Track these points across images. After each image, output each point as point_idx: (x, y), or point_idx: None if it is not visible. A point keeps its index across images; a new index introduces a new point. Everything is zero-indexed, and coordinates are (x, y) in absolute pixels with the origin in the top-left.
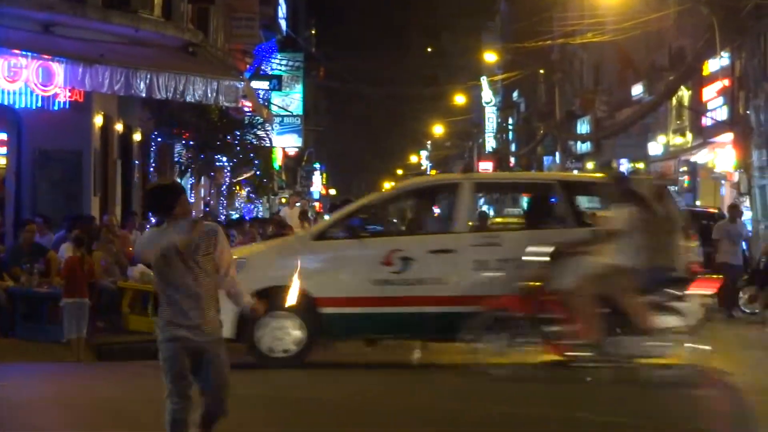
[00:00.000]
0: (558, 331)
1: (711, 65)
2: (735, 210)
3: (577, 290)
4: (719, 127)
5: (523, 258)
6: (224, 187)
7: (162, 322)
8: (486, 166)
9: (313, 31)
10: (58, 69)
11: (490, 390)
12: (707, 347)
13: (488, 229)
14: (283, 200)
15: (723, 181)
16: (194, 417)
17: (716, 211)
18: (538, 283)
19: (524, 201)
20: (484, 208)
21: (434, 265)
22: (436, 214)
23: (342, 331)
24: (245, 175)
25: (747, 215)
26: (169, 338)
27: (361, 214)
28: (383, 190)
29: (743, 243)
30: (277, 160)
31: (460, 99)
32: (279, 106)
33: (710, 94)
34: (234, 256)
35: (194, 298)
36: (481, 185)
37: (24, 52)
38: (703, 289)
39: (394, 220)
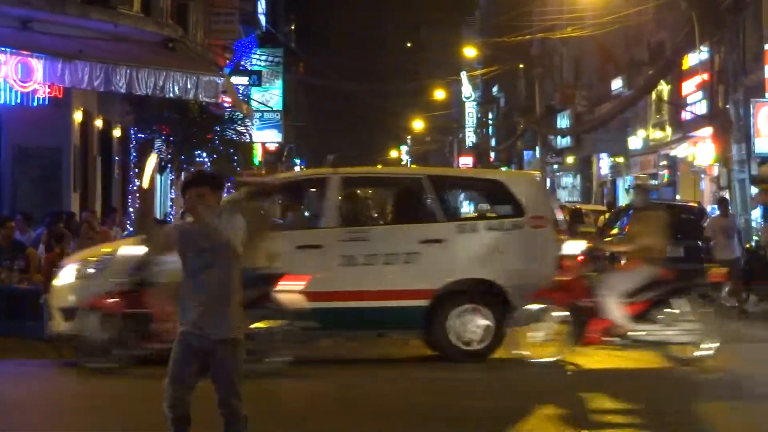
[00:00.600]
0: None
1: (690, 59)
2: (724, 204)
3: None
4: (699, 121)
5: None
6: None
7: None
8: (466, 161)
9: (292, 27)
10: (37, 65)
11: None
12: None
13: (357, 225)
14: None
15: (703, 175)
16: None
17: (696, 205)
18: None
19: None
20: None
21: (302, 261)
22: (304, 210)
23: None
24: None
25: None
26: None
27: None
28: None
29: (736, 235)
30: (258, 156)
31: (440, 94)
32: (259, 102)
33: (689, 88)
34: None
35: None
36: (349, 180)
37: (2, 48)
38: (291, 284)
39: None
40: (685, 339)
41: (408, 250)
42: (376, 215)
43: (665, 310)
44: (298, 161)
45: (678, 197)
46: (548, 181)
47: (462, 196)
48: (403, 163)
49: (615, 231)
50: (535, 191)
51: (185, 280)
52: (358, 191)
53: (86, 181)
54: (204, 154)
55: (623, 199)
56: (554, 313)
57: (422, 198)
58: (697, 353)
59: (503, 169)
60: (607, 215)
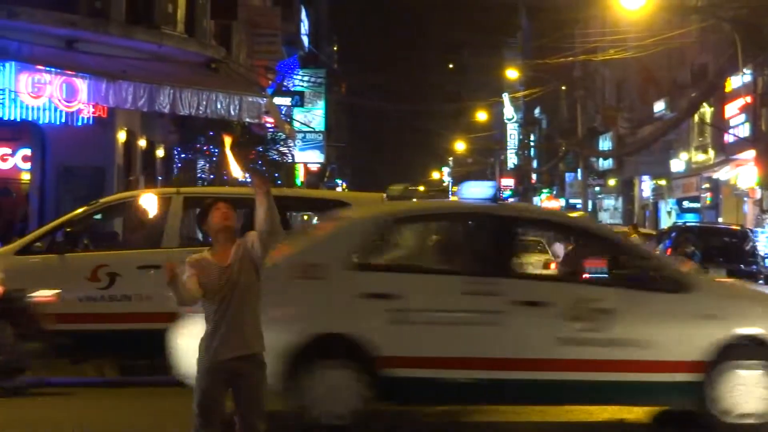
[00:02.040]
0: None
1: (733, 82)
2: None
3: None
4: (741, 144)
5: None
6: None
7: None
8: (508, 183)
9: (335, 48)
10: (82, 85)
11: None
12: None
13: (199, 245)
14: (305, 217)
15: (745, 198)
16: None
17: (739, 228)
18: None
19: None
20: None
21: (142, 281)
22: (146, 229)
23: (53, 350)
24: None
25: None
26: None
27: (68, 228)
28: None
29: None
30: (300, 176)
31: (481, 115)
32: (301, 122)
33: (732, 110)
34: None
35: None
36: (192, 199)
37: (48, 68)
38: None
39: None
40: None
41: None
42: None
43: None
44: (340, 181)
45: (720, 220)
46: (590, 203)
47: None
48: (444, 184)
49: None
50: None
51: (210, 313)
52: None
53: None
54: (247, 175)
55: (665, 222)
56: None
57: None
58: None
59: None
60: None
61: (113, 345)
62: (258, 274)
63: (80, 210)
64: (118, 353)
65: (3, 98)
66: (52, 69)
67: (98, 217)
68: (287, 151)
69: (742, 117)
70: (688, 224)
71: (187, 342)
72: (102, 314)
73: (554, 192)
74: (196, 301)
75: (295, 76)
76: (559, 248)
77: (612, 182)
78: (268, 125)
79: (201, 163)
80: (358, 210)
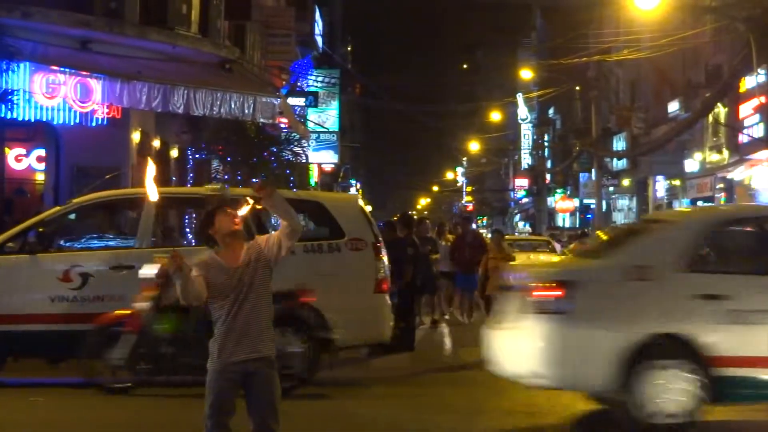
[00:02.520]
0: None
1: (747, 82)
2: None
3: None
4: (756, 144)
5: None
6: None
7: None
8: (522, 183)
9: (349, 48)
10: (96, 85)
11: None
12: None
13: (172, 245)
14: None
15: (760, 199)
16: None
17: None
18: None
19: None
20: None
21: (114, 282)
22: (118, 229)
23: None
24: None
25: None
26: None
27: (41, 228)
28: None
29: None
30: (314, 177)
31: (495, 116)
32: (315, 123)
33: (747, 111)
34: None
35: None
36: (165, 200)
37: (62, 69)
38: None
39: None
40: None
41: None
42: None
43: None
44: (354, 182)
45: None
46: (604, 203)
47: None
48: (459, 184)
49: None
50: (355, 214)
51: (221, 315)
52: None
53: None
54: (261, 175)
55: None
56: None
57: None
58: None
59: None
60: None
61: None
62: (271, 274)
63: (53, 210)
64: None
65: (18, 99)
66: (67, 69)
67: (72, 217)
68: (301, 152)
69: (757, 117)
70: None
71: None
72: (74, 315)
73: (568, 192)
74: (201, 300)
75: (309, 77)
76: (557, 246)
77: (626, 182)
78: (282, 125)
79: (215, 164)
80: (684, 214)
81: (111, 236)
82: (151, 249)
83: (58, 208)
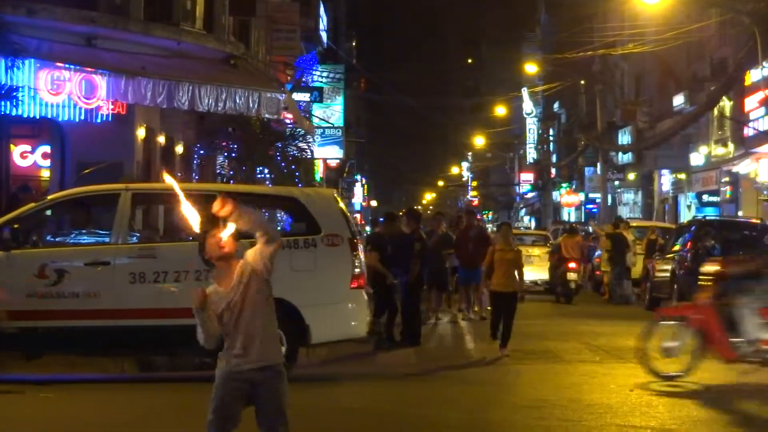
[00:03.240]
0: None
1: (753, 75)
2: None
3: None
4: (761, 137)
5: None
6: None
7: None
8: (527, 177)
9: (353, 43)
10: (101, 82)
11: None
12: None
13: (147, 242)
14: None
15: (765, 192)
16: None
17: (759, 221)
18: None
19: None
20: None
21: (89, 278)
22: (94, 226)
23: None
24: None
25: None
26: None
27: (15, 225)
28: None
29: None
30: (319, 172)
31: (500, 110)
32: (320, 118)
33: (752, 104)
34: None
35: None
36: (141, 196)
37: (67, 65)
38: None
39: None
40: None
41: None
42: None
43: None
44: (359, 177)
45: (740, 214)
46: (609, 197)
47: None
48: (464, 179)
49: (677, 248)
50: (331, 209)
51: (225, 330)
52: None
53: None
54: (266, 170)
55: (685, 216)
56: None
57: None
58: None
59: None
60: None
61: (62, 342)
62: (269, 284)
63: (28, 206)
64: (68, 350)
65: (23, 95)
66: (72, 66)
67: (48, 213)
68: (306, 147)
69: (762, 110)
70: (707, 218)
71: None
72: (50, 311)
73: (573, 186)
74: (216, 339)
75: (313, 72)
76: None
77: (631, 176)
78: (287, 121)
79: (220, 159)
80: None
81: (86, 232)
82: (128, 245)
83: (33, 204)
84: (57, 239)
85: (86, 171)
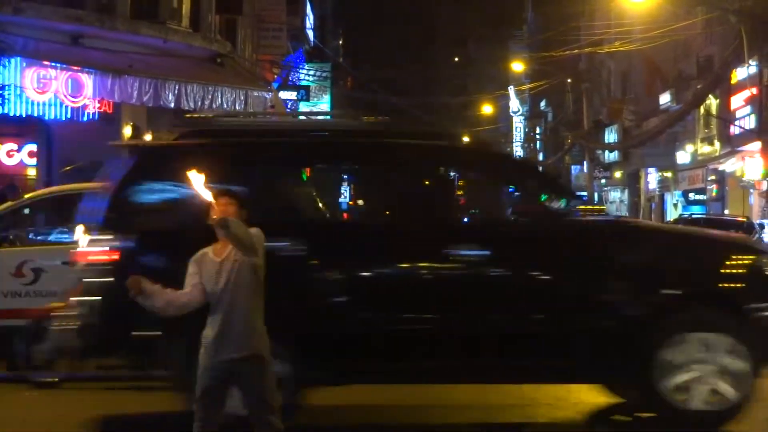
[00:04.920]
0: None
1: (739, 74)
2: None
3: None
4: (747, 136)
5: None
6: None
7: None
8: None
9: (340, 42)
10: (87, 80)
11: None
12: None
13: None
14: None
15: (752, 190)
16: None
17: (745, 219)
18: None
19: None
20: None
21: (67, 277)
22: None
23: None
24: None
25: None
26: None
27: None
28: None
29: None
30: (306, 171)
31: (487, 109)
32: (307, 117)
33: (738, 102)
34: None
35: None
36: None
37: (53, 64)
38: None
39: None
40: None
41: None
42: None
43: None
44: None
45: (726, 212)
46: (596, 195)
47: None
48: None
49: None
50: None
51: (210, 312)
52: None
53: None
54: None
55: (671, 214)
56: None
57: None
58: None
59: None
60: None
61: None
62: (257, 274)
63: (5, 205)
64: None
65: (9, 94)
66: (58, 64)
67: (26, 212)
68: None
69: (748, 109)
70: (694, 216)
71: None
72: (27, 310)
73: None
74: (185, 310)
75: (300, 70)
76: None
77: (618, 174)
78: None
79: None
80: None
81: (65, 231)
82: None
83: (10, 203)
84: (36, 238)
85: (67, 168)
